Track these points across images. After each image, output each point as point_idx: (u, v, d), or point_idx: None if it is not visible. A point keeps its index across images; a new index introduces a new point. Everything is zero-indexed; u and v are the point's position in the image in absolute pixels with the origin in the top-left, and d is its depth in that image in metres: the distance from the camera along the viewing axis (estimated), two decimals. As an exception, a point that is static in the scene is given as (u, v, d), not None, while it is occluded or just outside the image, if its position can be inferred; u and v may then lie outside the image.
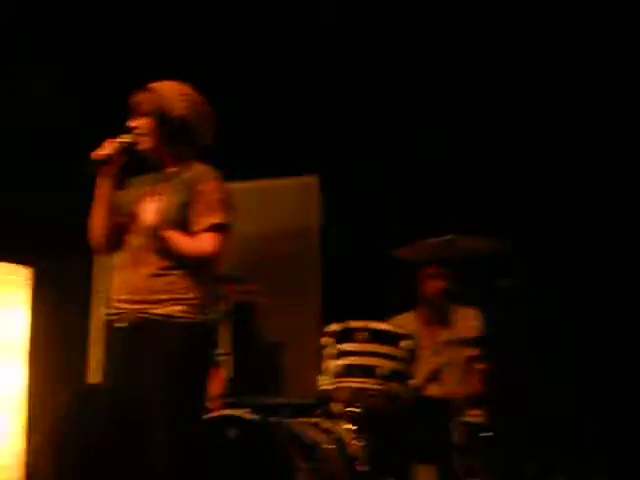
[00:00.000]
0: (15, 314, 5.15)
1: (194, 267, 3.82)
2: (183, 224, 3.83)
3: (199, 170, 3.91)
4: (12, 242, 5.14)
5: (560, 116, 5.69)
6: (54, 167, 5.65)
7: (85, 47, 5.78)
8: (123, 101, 3.91)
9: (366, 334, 4.46)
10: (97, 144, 3.78)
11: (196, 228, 3.80)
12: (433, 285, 5.39)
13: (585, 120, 5.60)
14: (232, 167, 4.29)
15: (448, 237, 4.66)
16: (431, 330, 5.47)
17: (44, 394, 5.20)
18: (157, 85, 3.90)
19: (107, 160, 3.77)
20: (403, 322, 5.40)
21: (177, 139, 3.90)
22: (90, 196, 3.87)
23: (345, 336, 4.50)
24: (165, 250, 3.76)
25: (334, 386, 4.49)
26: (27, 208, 5.43)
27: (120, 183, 3.90)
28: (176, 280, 3.79)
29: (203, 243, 3.79)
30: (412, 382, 4.57)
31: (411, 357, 4.59)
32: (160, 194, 3.85)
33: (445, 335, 5.27)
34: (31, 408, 5.07)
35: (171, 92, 3.88)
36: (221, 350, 4.93)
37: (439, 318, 5.43)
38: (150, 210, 3.78)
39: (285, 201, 6.07)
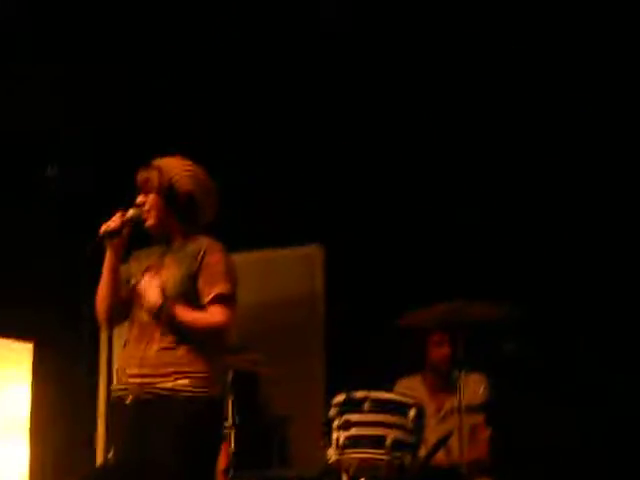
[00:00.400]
0: (17, 390, 5.13)
1: (203, 340, 3.82)
2: (188, 297, 3.84)
3: (203, 242, 3.93)
4: (12, 316, 5.13)
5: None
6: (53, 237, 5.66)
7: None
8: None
9: (371, 404, 4.41)
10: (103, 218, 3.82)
11: (205, 299, 3.82)
12: (439, 352, 5.36)
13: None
14: (234, 237, 4.30)
15: (455, 303, 4.63)
16: (437, 397, 5.42)
17: (49, 469, 5.16)
18: (163, 162, 3.94)
19: (116, 233, 3.81)
20: (409, 386, 5.36)
21: (183, 215, 3.94)
22: (89, 269, 3.88)
23: (350, 406, 4.45)
24: (174, 326, 3.76)
25: (340, 457, 4.42)
26: (26, 281, 5.41)
27: (124, 256, 3.93)
28: (184, 354, 3.79)
29: (214, 316, 3.80)
30: (421, 451, 4.50)
31: (420, 426, 4.53)
32: (162, 268, 3.87)
33: (451, 402, 5.22)
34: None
35: (177, 169, 3.93)
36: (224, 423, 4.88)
37: (445, 385, 5.38)
38: (153, 286, 3.80)
39: (289, 271, 6.07)
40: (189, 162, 3.98)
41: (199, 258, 3.86)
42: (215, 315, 3.79)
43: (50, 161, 4.22)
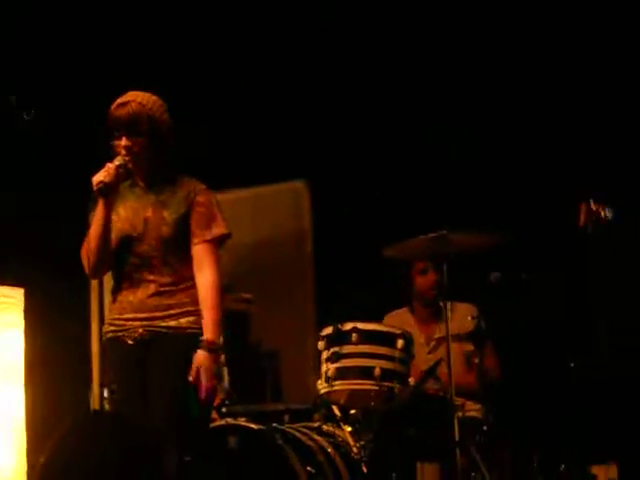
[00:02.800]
0: (12, 336, 5.18)
1: (193, 281, 3.87)
2: (181, 238, 3.88)
3: (190, 183, 3.96)
4: (2, 263, 5.16)
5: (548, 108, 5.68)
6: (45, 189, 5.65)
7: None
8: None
9: (359, 335, 4.45)
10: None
11: (199, 240, 3.87)
12: (424, 280, 5.41)
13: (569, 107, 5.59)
14: (219, 176, 4.32)
15: (439, 233, 4.64)
16: (427, 327, 5.47)
17: (45, 414, 5.21)
18: (139, 98, 3.87)
19: (113, 187, 3.79)
20: (398, 319, 5.41)
21: (165, 152, 3.92)
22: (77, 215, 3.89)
23: (338, 339, 4.50)
24: None
25: (331, 389, 4.47)
26: (16, 228, 5.42)
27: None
28: (181, 294, 3.87)
29: (206, 274, 3.84)
30: (410, 380, 4.56)
31: (408, 356, 4.58)
32: (159, 210, 3.88)
33: (440, 331, 5.26)
34: (32, 428, 5.09)
35: (155, 104, 3.89)
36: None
37: (434, 314, 5.43)
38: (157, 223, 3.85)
39: (275, 208, 6.07)
40: (155, 96, 3.93)
41: (189, 199, 3.89)
42: (207, 273, 3.84)
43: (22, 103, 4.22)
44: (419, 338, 5.31)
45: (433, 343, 5.42)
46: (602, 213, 3.86)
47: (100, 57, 5.73)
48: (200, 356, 3.76)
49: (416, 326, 5.42)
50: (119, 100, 3.88)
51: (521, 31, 5.65)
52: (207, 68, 5.95)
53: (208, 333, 3.79)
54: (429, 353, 5.36)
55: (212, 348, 3.78)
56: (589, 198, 3.94)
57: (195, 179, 3.99)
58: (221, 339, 3.88)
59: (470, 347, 5.11)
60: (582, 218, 3.89)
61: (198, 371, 3.73)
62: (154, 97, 3.91)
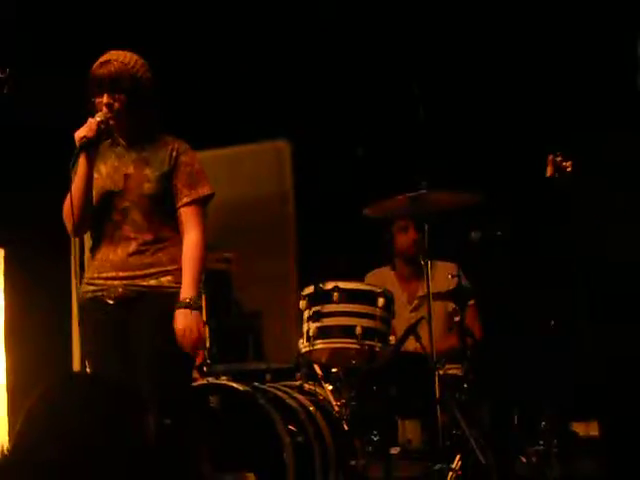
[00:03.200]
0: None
1: (176, 240, 3.86)
2: (164, 197, 3.87)
3: (173, 141, 3.94)
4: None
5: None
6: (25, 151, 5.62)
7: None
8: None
9: (340, 294, 4.46)
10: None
11: (185, 200, 3.86)
12: (405, 238, 5.43)
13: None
14: (200, 135, 4.29)
15: (419, 192, 4.63)
16: (409, 286, 5.50)
17: (27, 376, 5.21)
18: (121, 57, 3.86)
19: (95, 142, 3.78)
20: (379, 277, 5.42)
21: (146, 110, 3.90)
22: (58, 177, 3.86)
23: (319, 298, 4.50)
24: None
25: (312, 348, 4.48)
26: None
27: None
28: (160, 253, 3.85)
29: (192, 234, 3.84)
30: (391, 339, 4.57)
31: (388, 314, 4.59)
32: (141, 167, 3.87)
33: (422, 290, 5.28)
34: (13, 390, 5.08)
35: (137, 63, 3.87)
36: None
37: (415, 273, 5.45)
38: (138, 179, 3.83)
39: (256, 166, 6.06)
40: (136, 54, 3.91)
41: (172, 158, 3.88)
42: (193, 232, 3.83)
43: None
44: (401, 297, 5.33)
45: (415, 302, 5.44)
46: (566, 165, 3.94)
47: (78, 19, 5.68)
48: (182, 315, 3.75)
49: (398, 284, 5.44)
50: (101, 59, 3.86)
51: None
52: (185, 27, 5.91)
53: (190, 291, 3.78)
54: (412, 312, 5.38)
55: (195, 306, 3.77)
56: (555, 151, 3.99)
57: (178, 138, 3.97)
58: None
59: (449, 305, 5.14)
60: (549, 170, 3.96)
61: (184, 332, 3.73)
62: (136, 56, 3.89)
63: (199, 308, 3.80)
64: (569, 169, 3.93)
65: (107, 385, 2.86)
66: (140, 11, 5.78)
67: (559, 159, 3.96)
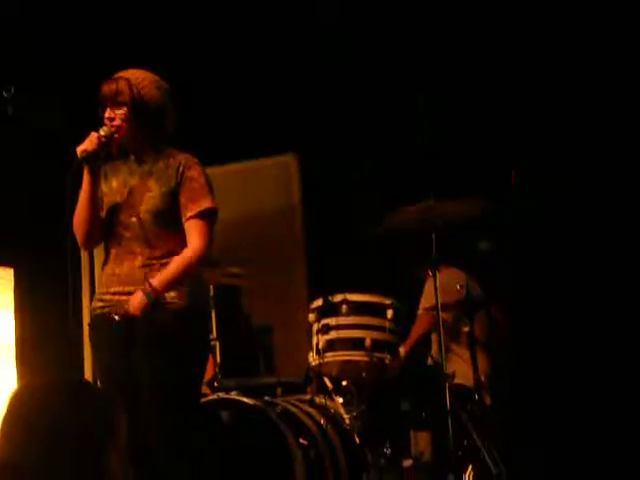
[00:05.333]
0: (3, 316, 5.18)
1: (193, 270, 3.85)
2: (170, 213, 3.85)
3: (180, 156, 3.92)
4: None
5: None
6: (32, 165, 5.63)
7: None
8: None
9: (349, 306, 4.45)
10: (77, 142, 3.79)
11: (189, 214, 3.84)
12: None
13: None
14: (208, 151, 4.30)
15: (425, 203, 4.63)
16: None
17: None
18: (129, 73, 3.88)
19: (95, 155, 3.78)
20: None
21: (153, 127, 3.90)
22: (67, 193, 3.87)
23: (328, 310, 4.50)
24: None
25: (322, 361, 4.48)
26: (4, 207, 5.41)
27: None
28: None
29: (192, 244, 3.80)
30: (401, 350, 4.57)
31: (398, 326, 4.59)
32: (145, 180, 3.87)
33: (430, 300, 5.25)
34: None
35: (145, 80, 3.88)
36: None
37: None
38: (142, 192, 3.83)
39: (264, 181, 6.06)
40: (152, 73, 3.92)
41: (179, 173, 3.86)
42: (193, 241, 3.80)
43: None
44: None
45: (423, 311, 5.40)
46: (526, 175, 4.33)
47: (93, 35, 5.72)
48: (135, 298, 3.73)
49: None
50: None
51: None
52: (193, 42, 5.93)
53: (156, 282, 3.74)
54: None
55: (147, 292, 3.73)
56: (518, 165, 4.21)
57: (187, 153, 3.97)
58: (167, 295, 3.77)
59: (458, 315, 5.10)
60: (513, 180, 4.17)
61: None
62: (147, 74, 3.91)
63: (150, 297, 3.73)
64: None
65: (93, 391, 2.86)
66: (146, 28, 5.81)
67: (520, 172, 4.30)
